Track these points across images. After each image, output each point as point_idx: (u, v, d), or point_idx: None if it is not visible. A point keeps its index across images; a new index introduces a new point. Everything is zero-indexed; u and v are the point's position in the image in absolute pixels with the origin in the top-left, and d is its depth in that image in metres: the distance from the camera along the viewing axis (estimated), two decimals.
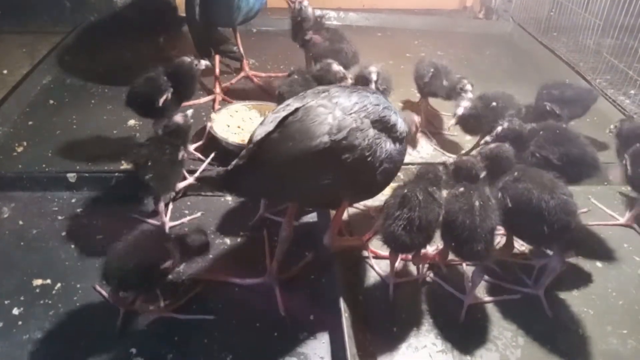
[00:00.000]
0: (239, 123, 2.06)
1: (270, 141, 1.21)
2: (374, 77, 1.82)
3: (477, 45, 3.17)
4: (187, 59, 1.82)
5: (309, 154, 1.20)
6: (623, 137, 1.74)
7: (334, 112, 1.24)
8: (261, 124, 1.27)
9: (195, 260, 1.47)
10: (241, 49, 2.38)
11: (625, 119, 1.85)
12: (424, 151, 2.08)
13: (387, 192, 1.42)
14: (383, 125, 1.30)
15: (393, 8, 3.64)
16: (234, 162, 1.19)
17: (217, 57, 2.35)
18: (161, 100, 1.70)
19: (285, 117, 1.23)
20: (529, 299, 1.47)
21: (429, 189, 1.36)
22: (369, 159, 1.26)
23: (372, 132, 1.26)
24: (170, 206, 1.69)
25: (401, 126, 1.36)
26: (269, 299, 1.41)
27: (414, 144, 1.67)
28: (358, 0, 3.66)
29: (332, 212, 1.39)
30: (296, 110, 1.24)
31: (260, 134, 1.22)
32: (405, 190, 1.35)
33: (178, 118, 1.62)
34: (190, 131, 1.67)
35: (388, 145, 1.31)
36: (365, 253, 1.58)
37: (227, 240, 1.61)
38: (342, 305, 1.33)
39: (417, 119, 1.56)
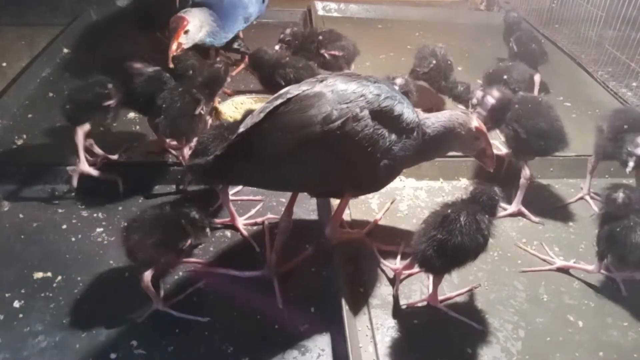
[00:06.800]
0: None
1: (260, 131, 1.20)
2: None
3: (478, 36, 3.15)
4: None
5: (299, 143, 1.19)
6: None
7: (328, 100, 1.21)
8: (251, 115, 1.26)
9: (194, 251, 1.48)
10: (245, 44, 2.39)
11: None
12: None
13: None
14: (385, 116, 1.25)
15: (394, 0, 3.62)
16: (214, 153, 1.20)
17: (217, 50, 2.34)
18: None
19: (277, 107, 1.21)
20: (531, 292, 1.47)
21: (477, 215, 1.27)
22: (369, 149, 1.23)
23: (371, 122, 1.23)
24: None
25: (409, 116, 1.29)
26: (271, 291, 1.41)
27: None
28: None
29: (334, 205, 1.39)
30: (289, 100, 1.22)
31: (246, 125, 1.22)
32: (449, 211, 1.27)
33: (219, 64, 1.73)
34: (222, 86, 1.78)
35: (392, 137, 1.26)
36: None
37: (228, 233, 1.61)
38: (343, 297, 1.33)
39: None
